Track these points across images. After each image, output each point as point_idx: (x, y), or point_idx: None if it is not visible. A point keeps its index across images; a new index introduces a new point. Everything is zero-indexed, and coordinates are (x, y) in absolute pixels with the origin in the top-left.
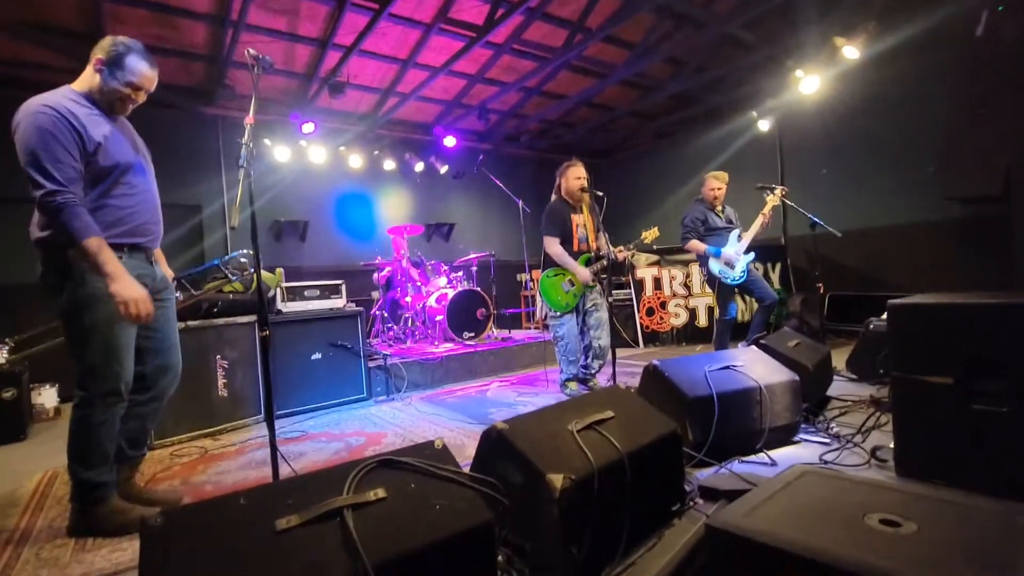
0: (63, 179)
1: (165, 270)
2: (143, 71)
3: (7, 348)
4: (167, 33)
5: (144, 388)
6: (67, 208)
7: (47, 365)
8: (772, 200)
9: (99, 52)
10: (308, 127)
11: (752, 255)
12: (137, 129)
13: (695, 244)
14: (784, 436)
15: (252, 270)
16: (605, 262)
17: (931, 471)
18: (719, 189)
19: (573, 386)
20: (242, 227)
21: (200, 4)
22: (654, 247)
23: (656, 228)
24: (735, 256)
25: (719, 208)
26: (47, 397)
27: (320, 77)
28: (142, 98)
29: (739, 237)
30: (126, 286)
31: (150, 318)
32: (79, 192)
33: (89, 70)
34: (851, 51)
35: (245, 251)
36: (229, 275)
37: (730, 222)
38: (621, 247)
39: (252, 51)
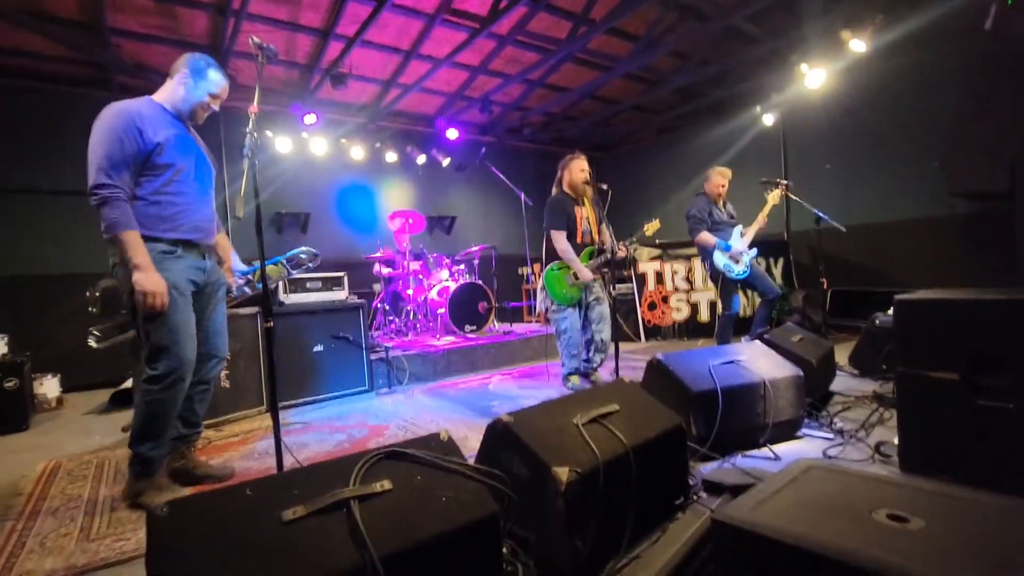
0: (113, 176)
1: (237, 264)
2: (221, 82)
3: (5, 339)
4: (168, 23)
5: (195, 375)
6: (110, 201)
7: (50, 355)
8: (772, 199)
9: (181, 67)
10: (310, 118)
11: (755, 250)
12: None
13: (706, 236)
14: (787, 431)
15: (311, 264)
16: (609, 255)
17: (935, 466)
18: (723, 186)
19: (575, 380)
20: (247, 218)
21: None
22: (656, 241)
23: (657, 220)
24: (741, 250)
25: (721, 203)
26: (49, 387)
27: (322, 68)
28: (217, 106)
29: (741, 233)
30: (148, 278)
31: (164, 308)
32: (127, 189)
33: (171, 83)
34: (858, 44)
35: (306, 248)
36: (289, 270)
37: (732, 217)
38: (622, 244)
39: (256, 39)
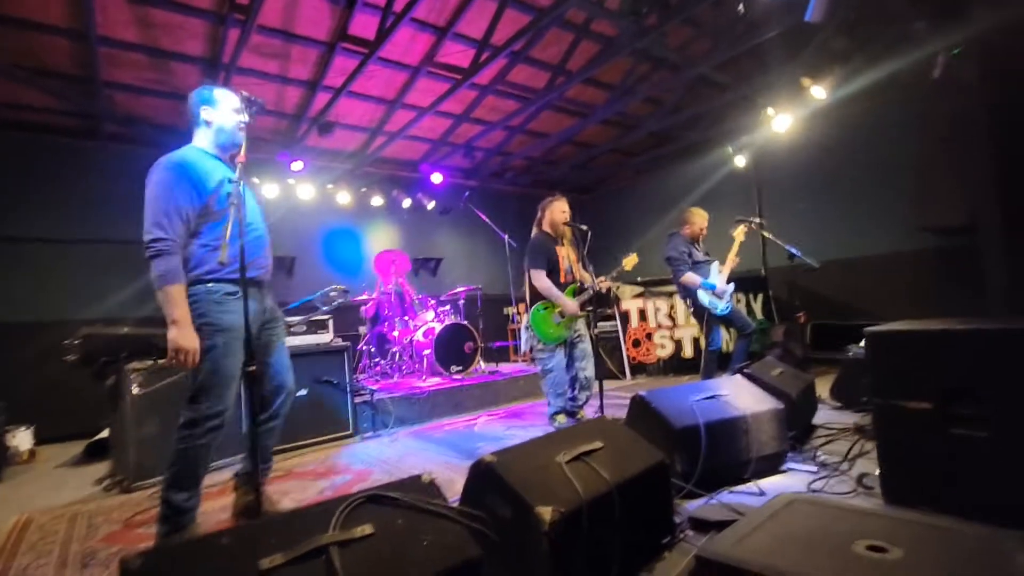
0: (167, 229)
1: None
2: (231, 96)
3: None
4: (162, 76)
5: (264, 408)
6: (161, 255)
7: (23, 406)
8: (738, 235)
9: (197, 109)
10: (296, 165)
11: (732, 285)
12: (131, 169)
13: (691, 277)
14: (771, 465)
15: (341, 301)
16: (591, 292)
17: (917, 497)
18: (703, 228)
19: (561, 419)
20: (230, 262)
21: (194, 48)
22: (637, 278)
23: (635, 254)
24: (724, 288)
25: (695, 243)
26: (22, 439)
27: (309, 117)
28: (245, 117)
29: (719, 269)
30: (182, 335)
31: (194, 366)
32: (180, 240)
33: (202, 127)
34: (818, 91)
35: (335, 286)
36: (320, 305)
37: (707, 255)
38: (603, 277)
39: (245, 93)
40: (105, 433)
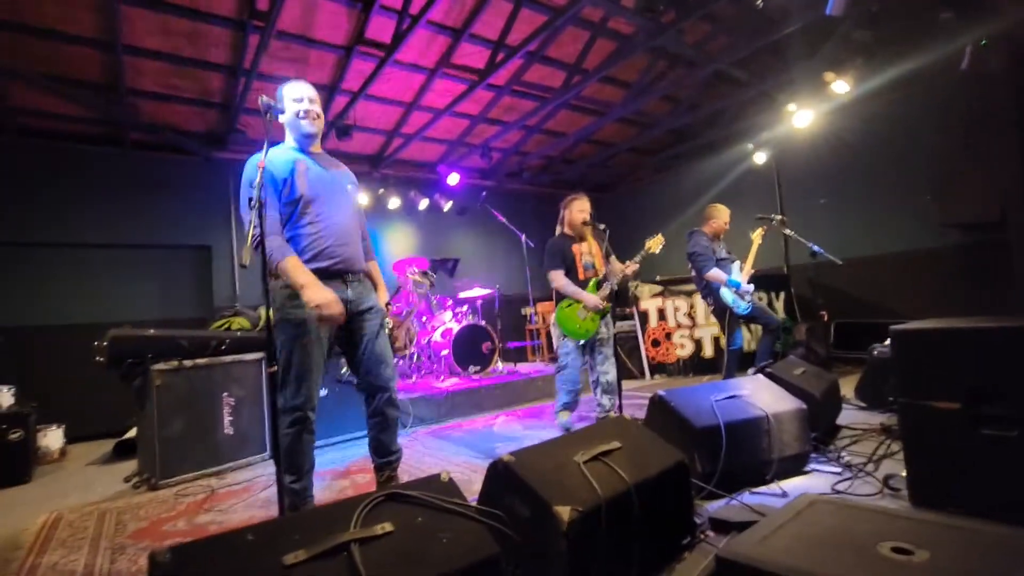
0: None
1: (381, 295)
2: (294, 91)
3: (12, 391)
4: (184, 83)
5: (367, 403)
6: (264, 239)
7: (55, 406)
8: (756, 238)
9: (271, 116)
10: None
11: (752, 286)
12: (153, 173)
13: (717, 274)
14: (794, 466)
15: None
16: (612, 286)
17: (945, 499)
18: (726, 224)
19: (565, 416)
20: (253, 265)
21: (216, 55)
22: (657, 277)
23: (660, 235)
24: (748, 287)
25: (717, 240)
26: (53, 439)
27: (328, 121)
28: (315, 108)
29: (741, 268)
30: (315, 291)
31: (342, 319)
32: (275, 225)
33: (286, 131)
34: (841, 86)
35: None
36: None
37: (728, 253)
38: (628, 261)
39: (265, 98)
40: (133, 432)
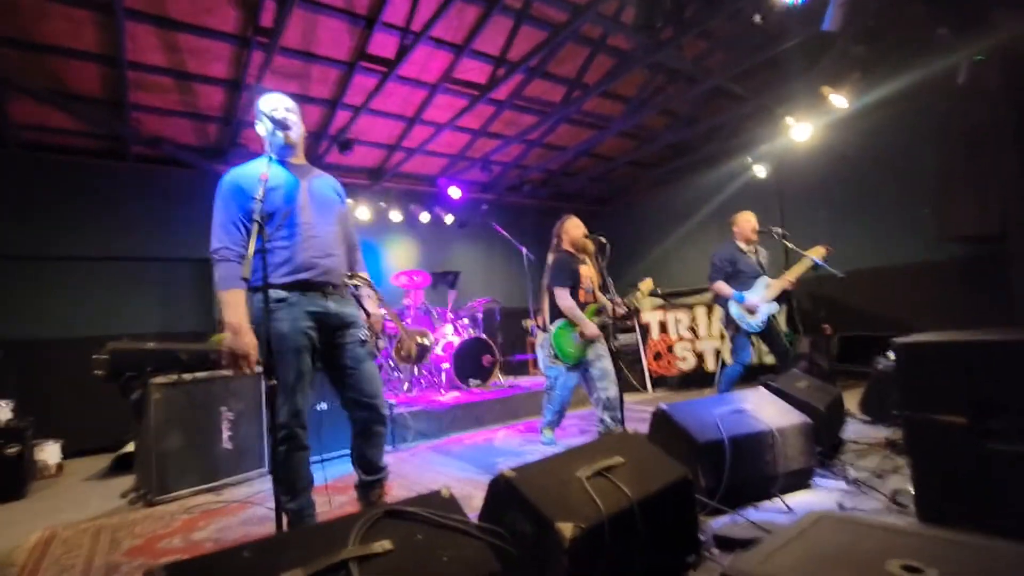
0: (223, 239)
1: (373, 310)
2: (272, 101)
3: (11, 405)
4: (186, 98)
5: (352, 422)
6: (218, 263)
7: (54, 420)
8: (806, 259)
9: (256, 120)
10: None
11: (776, 306)
12: (154, 187)
13: (721, 286)
14: (799, 481)
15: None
16: (607, 318)
17: (953, 515)
18: (754, 230)
19: (548, 434)
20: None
21: (218, 70)
22: (658, 290)
23: (649, 280)
24: (758, 303)
25: (751, 249)
26: (50, 453)
27: (330, 135)
28: (293, 119)
29: (767, 284)
30: (236, 340)
31: (251, 370)
32: (237, 248)
33: (266, 141)
34: (839, 100)
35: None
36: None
37: (761, 266)
38: (622, 300)
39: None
40: (130, 447)
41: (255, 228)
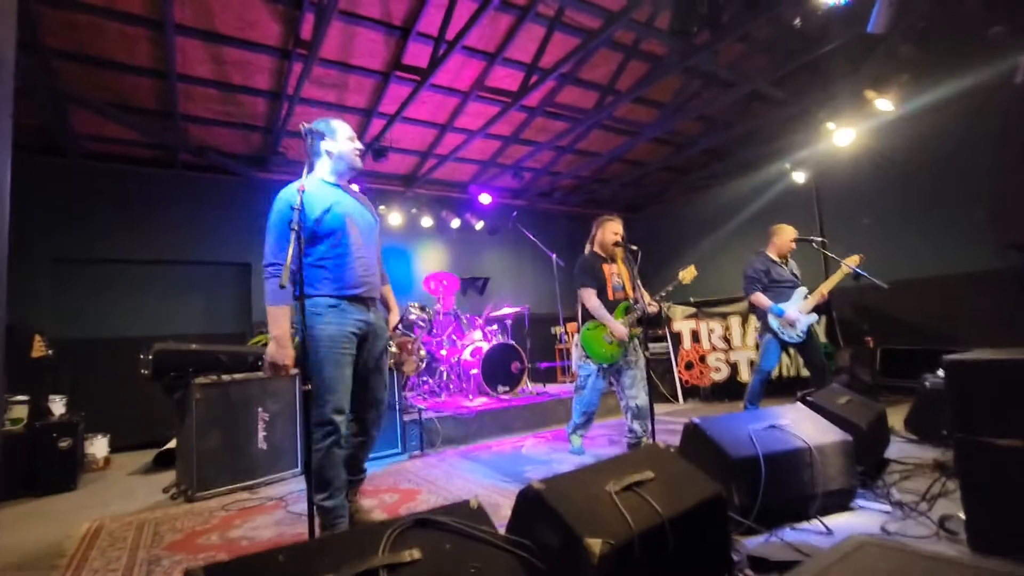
0: (278, 255)
1: (393, 317)
2: (346, 126)
3: (64, 400)
4: (230, 108)
5: (356, 421)
6: (268, 279)
7: (102, 415)
8: (851, 262)
9: (317, 138)
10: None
11: (815, 316)
12: (199, 193)
13: (760, 298)
14: (839, 502)
15: (417, 318)
16: (640, 311)
17: (1008, 544)
18: (791, 243)
19: (577, 441)
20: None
21: (261, 81)
22: (691, 299)
23: (693, 266)
24: (797, 316)
25: (782, 260)
26: (98, 447)
27: (365, 142)
28: (359, 144)
29: (805, 295)
30: (277, 351)
31: (286, 376)
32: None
33: (322, 157)
34: (884, 104)
35: (415, 303)
36: (403, 329)
37: (794, 275)
38: (654, 297)
39: (305, 124)
40: (173, 443)
41: (306, 243)
